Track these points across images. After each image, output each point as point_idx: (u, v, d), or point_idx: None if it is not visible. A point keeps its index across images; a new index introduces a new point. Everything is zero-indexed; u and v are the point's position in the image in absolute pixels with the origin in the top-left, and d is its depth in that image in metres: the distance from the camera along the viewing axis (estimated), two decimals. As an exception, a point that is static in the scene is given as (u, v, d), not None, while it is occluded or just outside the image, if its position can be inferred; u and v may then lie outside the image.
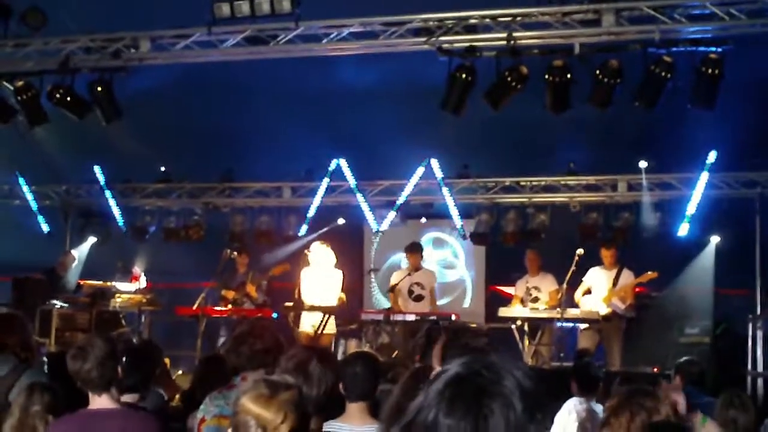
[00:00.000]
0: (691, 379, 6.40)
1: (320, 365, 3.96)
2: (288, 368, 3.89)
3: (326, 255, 10.40)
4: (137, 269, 12.71)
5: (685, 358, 7.12)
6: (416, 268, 11.19)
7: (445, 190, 12.86)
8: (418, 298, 11.07)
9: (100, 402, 3.85)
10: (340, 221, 13.36)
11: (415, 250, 11.37)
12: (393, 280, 11.24)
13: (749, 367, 10.70)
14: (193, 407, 4.89)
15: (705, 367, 6.72)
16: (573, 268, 10.22)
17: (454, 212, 12.94)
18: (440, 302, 12.13)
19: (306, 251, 10.55)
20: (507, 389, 1.69)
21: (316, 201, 13.33)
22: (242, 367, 4.56)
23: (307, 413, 2.89)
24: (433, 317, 10.16)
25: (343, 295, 10.49)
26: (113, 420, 3.84)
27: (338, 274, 10.46)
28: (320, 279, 10.35)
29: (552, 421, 1.68)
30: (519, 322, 10.59)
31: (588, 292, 10.90)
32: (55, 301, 11.71)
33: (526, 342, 10.51)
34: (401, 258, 12.73)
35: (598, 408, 6.16)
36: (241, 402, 2.78)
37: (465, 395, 1.68)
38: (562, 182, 12.67)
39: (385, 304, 12.45)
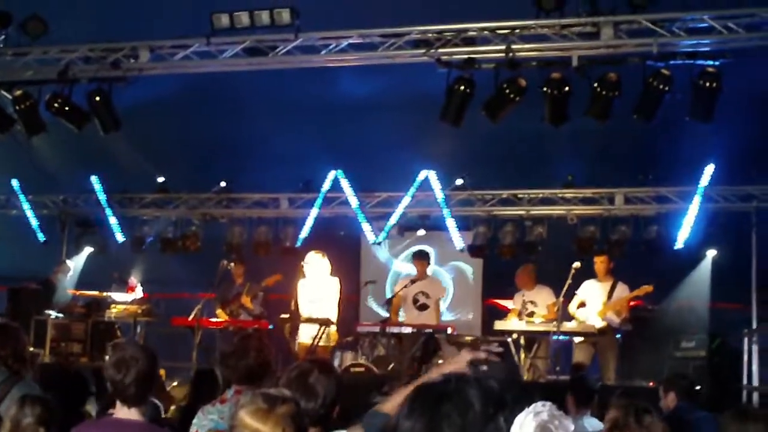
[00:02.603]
0: (684, 394, 6.36)
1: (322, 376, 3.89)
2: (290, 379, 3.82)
3: (321, 264, 10.36)
4: (133, 280, 12.66)
5: (674, 372, 7.07)
6: (423, 276, 11.14)
7: (442, 203, 12.84)
8: (423, 307, 10.97)
9: (127, 413, 3.80)
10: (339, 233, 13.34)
11: (422, 257, 11.29)
12: (396, 289, 11.17)
13: (744, 381, 10.70)
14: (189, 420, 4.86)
15: (698, 381, 6.66)
16: (569, 281, 10.21)
17: (451, 224, 12.93)
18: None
19: (302, 263, 10.51)
20: (470, 394, 1.77)
21: (314, 212, 13.32)
22: (239, 380, 4.53)
23: (304, 427, 2.87)
24: (429, 330, 10.12)
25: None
26: None
27: (335, 282, 10.42)
28: (316, 289, 10.31)
29: (512, 422, 1.77)
30: (515, 336, 10.56)
31: (582, 305, 10.87)
32: (50, 312, 11.68)
33: (522, 355, 10.49)
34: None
35: (592, 422, 6.13)
36: (239, 416, 2.76)
37: (425, 400, 1.80)
38: (560, 195, 12.66)
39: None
